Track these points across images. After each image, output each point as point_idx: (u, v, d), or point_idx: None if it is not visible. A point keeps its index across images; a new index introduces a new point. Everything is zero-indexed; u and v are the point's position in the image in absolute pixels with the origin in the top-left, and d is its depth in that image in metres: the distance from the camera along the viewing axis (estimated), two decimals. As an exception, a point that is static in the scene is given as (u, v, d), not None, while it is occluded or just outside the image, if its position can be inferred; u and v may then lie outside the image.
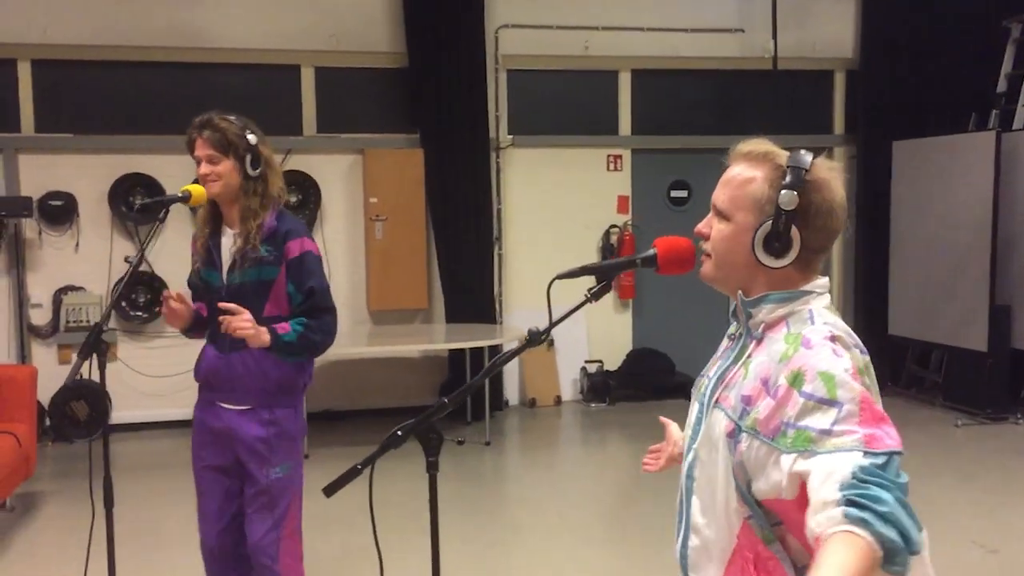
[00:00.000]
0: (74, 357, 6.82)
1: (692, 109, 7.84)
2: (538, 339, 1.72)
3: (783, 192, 1.56)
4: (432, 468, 1.67)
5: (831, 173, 1.61)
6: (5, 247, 6.64)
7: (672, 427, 1.99)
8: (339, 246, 7.14)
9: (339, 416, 7.16)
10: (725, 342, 1.74)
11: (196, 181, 2.92)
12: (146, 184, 6.77)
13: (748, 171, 1.62)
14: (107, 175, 6.71)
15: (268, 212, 2.94)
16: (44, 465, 6.12)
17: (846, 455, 1.39)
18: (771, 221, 1.56)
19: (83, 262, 6.76)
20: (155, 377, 6.82)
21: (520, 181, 7.44)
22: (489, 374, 1.69)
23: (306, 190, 6.96)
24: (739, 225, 1.61)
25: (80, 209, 6.71)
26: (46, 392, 6.66)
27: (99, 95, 6.83)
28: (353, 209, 7.18)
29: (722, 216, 1.65)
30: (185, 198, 2.86)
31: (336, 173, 7.17)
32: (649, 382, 7.56)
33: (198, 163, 2.90)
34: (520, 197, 7.46)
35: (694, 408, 1.71)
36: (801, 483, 1.43)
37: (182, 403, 6.24)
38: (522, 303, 7.42)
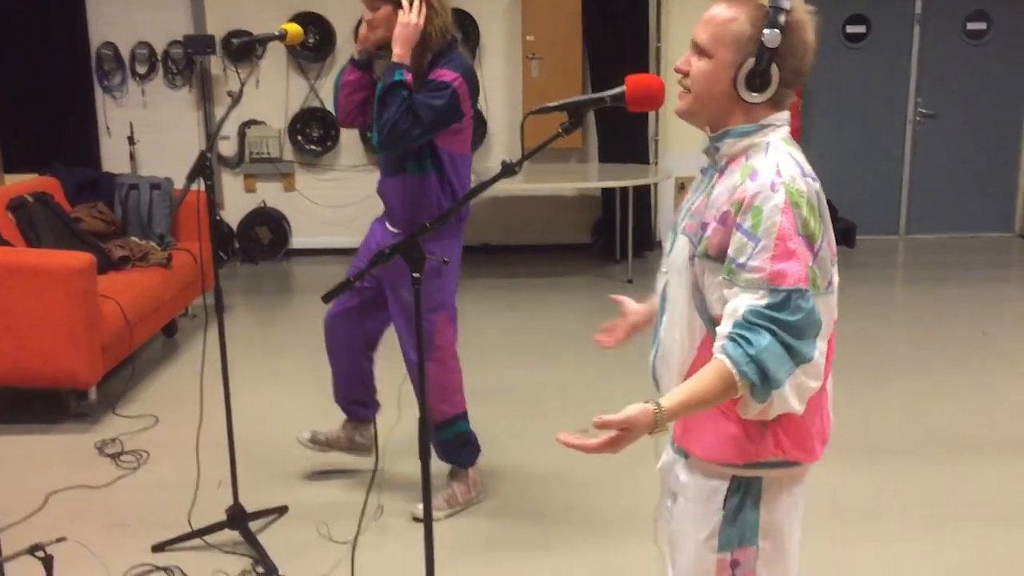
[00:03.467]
0: (258, 185, 7.52)
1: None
2: (511, 170, 1.85)
3: (767, 31, 1.62)
4: (416, 283, 1.86)
5: (808, 16, 1.67)
6: (195, 83, 7.26)
7: (626, 303, 2.06)
8: (496, 84, 7.28)
9: (495, 250, 7.51)
10: (698, 176, 1.82)
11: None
12: (318, 24, 7.13)
13: (730, 10, 1.68)
14: (284, 15, 7.10)
15: (430, 52, 3.08)
16: (233, 281, 6.87)
17: (748, 295, 1.55)
18: (754, 58, 1.63)
19: (263, 98, 7.28)
20: (329, 207, 7.38)
21: (680, 21, 7.24)
22: (464, 203, 1.85)
23: (465, 29, 7.10)
24: (720, 62, 1.68)
25: (259, 48, 7.18)
26: (234, 218, 7.40)
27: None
28: (511, 48, 7.27)
29: (703, 53, 1.71)
30: (281, 36, 3.10)
31: (495, 12, 7.24)
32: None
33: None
34: (679, 37, 7.27)
35: (669, 237, 1.83)
36: None
37: (355, 231, 6.74)
38: (678, 145, 7.36)
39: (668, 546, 1.88)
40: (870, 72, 7.65)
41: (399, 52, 2.99)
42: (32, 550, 2.71)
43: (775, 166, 1.61)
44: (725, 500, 1.73)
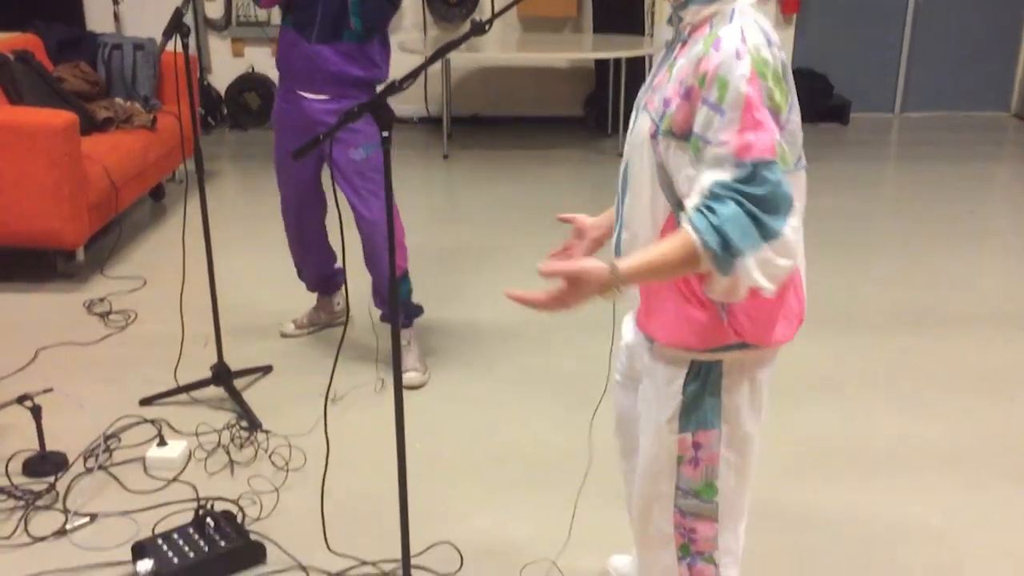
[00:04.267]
0: (246, 50, 7.38)
1: None
2: (481, 29, 1.82)
3: None
4: (385, 142, 1.86)
5: None
6: (179, -59, 7.03)
7: (579, 219, 1.97)
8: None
9: (485, 121, 7.44)
10: (663, 50, 1.77)
11: None
12: None
13: None
14: None
15: None
16: (221, 147, 6.82)
17: (716, 170, 1.50)
18: None
19: (250, -42, 7.08)
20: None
21: None
22: (436, 60, 1.82)
23: None
24: None
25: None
26: (222, 83, 7.28)
27: None
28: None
29: None
30: None
31: None
32: (803, 104, 7.25)
33: None
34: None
35: (633, 114, 1.77)
36: None
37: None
38: (675, 15, 7.18)
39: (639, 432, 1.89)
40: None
41: None
42: (21, 399, 2.81)
43: (739, 33, 1.53)
44: (684, 384, 1.73)
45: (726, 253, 1.49)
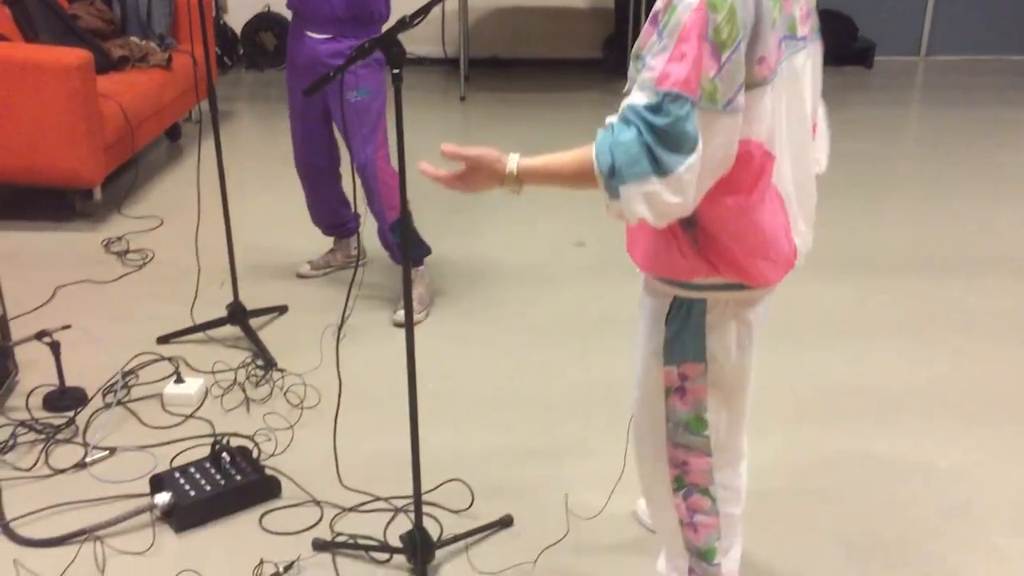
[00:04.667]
0: (261, -13, 7.27)
1: None
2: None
3: None
4: (397, 80, 1.85)
5: None
6: None
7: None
8: None
9: (503, 63, 7.36)
10: None
11: None
12: None
13: None
14: None
15: None
16: (238, 88, 6.79)
17: (637, 93, 1.48)
18: None
19: None
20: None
21: None
22: (441, 0, 1.80)
23: None
24: None
25: None
26: (238, 22, 7.22)
27: None
28: None
29: None
30: None
31: None
32: (827, 47, 7.13)
33: None
34: None
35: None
36: None
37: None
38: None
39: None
40: None
41: None
42: (39, 335, 2.84)
43: None
44: (667, 317, 1.74)
45: (611, 177, 1.49)
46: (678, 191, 1.48)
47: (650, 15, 1.59)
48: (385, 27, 2.64)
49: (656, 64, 1.47)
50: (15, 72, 3.96)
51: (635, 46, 1.60)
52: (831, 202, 4.65)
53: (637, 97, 1.48)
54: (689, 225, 1.65)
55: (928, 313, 3.57)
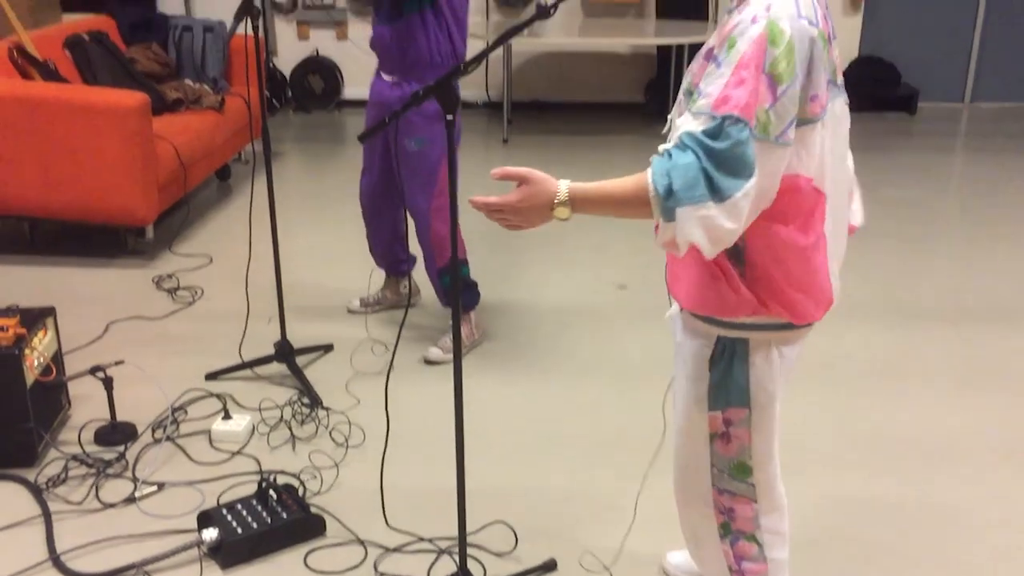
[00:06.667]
0: (311, 33, 7.48)
1: None
2: (546, 13, 1.83)
3: None
4: (449, 127, 1.89)
5: None
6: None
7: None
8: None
9: (545, 106, 7.44)
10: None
11: None
12: None
13: None
14: None
15: None
16: (286, 129, 6.93)
17: (694, 120, 1.49)
18: None
19: (316, -58, 7.15)
20: (381, 57, 7.32)
21: None
22: (503, 42, 1.84)
23: None
24: None
25: None
26: (287, 65, 7.39)
27: None
28: None
29: None
30: None
31: None
32: (869, 93, 7.19)
33: None
34: None
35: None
36: None
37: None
38: None
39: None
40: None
41: None
42: (93, 371, 2.91)
43: (767, 2, 1.50)
44: (712, 360, 1.73)
45: (668, 199, 1.48)
46: (734, 217, 1.48)
47: (703, 51, 1.62)
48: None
49: (712, 91, 1.48)
50: (75, 113, 4.09)
51: (685, 82, 1.63)
52: (875, 247, 4.63)
53: (692, 124, 1.49)
54: (738, 260, 1.66)
55: (973, 360, 3.53)
